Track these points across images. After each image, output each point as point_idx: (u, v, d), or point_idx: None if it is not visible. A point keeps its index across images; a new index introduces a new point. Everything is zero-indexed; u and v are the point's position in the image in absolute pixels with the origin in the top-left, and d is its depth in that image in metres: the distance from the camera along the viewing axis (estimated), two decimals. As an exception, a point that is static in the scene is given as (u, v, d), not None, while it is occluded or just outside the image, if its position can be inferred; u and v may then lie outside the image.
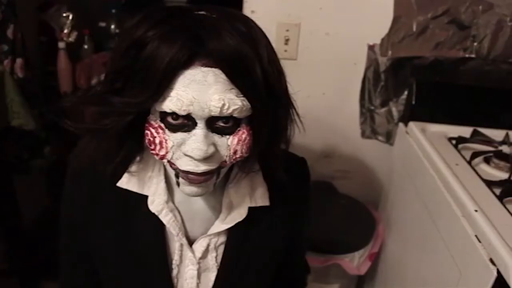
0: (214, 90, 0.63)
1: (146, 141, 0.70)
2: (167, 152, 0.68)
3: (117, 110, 0.66)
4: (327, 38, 1.64)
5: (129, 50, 0.64)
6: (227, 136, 0.69)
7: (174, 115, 0.65)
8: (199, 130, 0.66)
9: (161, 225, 0.83)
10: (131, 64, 0.64)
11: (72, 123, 0.71)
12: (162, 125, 0.67)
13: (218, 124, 0.67)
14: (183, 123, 0.66)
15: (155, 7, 0.68)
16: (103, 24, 2.28)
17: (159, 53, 0.61)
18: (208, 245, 0.85)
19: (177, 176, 0.72)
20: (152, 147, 0.69)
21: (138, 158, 0.78)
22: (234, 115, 0.66)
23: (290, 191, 0.87)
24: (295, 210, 0.91)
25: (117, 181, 0.81)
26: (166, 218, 0.81)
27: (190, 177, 0.70)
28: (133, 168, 0.80)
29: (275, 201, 0.86)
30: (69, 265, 0.94)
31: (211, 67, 0.63)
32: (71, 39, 2.06)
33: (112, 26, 2.28)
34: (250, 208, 0.84)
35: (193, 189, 0.72)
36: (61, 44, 1.98)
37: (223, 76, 0.64)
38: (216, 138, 0.68)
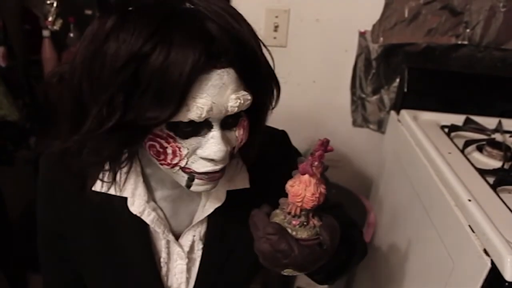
0: (231, 90, 0.61)
1: (152, 152, 0.65)
2: (181, 160, 0.65)
3: (136, 133, 0.62)
4: (318, 25, 1.61)
5: (127, 65, 0.57)
6: (234, 129, 0.67)
7: (188, 122, 0.61)
8: (216, 132, 0.64)
9: (144, 225, 0.80)
10: (133, 79, 0.57)
11: (76, 161, 0.67)
12: (171, 133, 0.63)
13: (228, 120, 0.66)
14: (197, 127, 0.63)
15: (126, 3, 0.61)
16: (89, 12, 2.23)
17: (172, 63, 0.56)
18: (194, 236, 0.84)
19: (190, 179, 0.68)
20: (162, 157, 0.65)
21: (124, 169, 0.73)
22: (243, 109, 0.65)
23: (273, 167, 0.84)
24: (283, 183, 0.89)
25: (92, 185, 0.77)
26: (149, 218, 0.79)
27: (210, 176, 0.67)
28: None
29: (257, 182, 0.84)
30: (50, 269, 0.91)
31: (225, 67, 0.60)
32: (55, 27, 2.00)
33: (98, 14, 2.24)
34: (230, 193, 0.82)
35: (207, 187, 0.69)
36: (46, 32, 1.93)
37: (235, 74, 0.61)
38: (227, 134, 0.67)
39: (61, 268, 0.89)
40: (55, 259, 0.89)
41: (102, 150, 0.64)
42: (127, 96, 0.58)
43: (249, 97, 0.64)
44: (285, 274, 0.68)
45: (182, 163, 0.65)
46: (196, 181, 0.68)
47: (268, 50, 0.69)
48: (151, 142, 0.64)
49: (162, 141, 0.63)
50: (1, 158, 1.76)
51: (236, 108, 0.62)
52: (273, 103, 0.74)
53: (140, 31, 0.57)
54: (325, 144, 0.63)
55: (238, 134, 0.68)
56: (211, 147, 0.63)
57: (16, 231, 1.90)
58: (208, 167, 0.66)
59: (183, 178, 0.68)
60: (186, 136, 0.63)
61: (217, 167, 0.66)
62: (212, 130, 0.64)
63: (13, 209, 1.88)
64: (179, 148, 0.64)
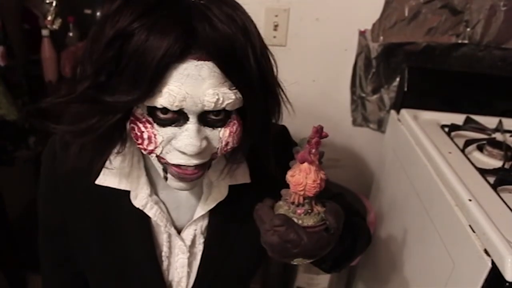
0: (208, 84, 0.60)
1: (132, 135, 0.66)
2: (156, 147, 0.65)
3: (107, 109, 0.62)
4: (317, 24, 1.61)
5: (113, 41, 0.59)
6: (219, 129, 0.66)
7: (164, 109, 0.62)
8: (192, 125, 0.63)
9: (146, 219, 0.80)
10: (116, 57, 0.59)
11: (57, 126, 0.67)
12: (150, 119, 0.64)
13: (209, 117, 0.65)
14: (174, 117, 0.63)
15: None
16: (88, 11, 2.22)
17: (149, 46, 0.57)
18: (196, 231, 0.84)
19: (165, 170, 0.69)
20: (139, 141, 0.66)
21: (115, 150, 0.73)
22: (227, 109, 0.63)
23: (273, 161, 0.82)
24: (283, 177, 0.89)
25: (95, 178, 0.77)
26: (151, 211, 0.79)
27: (182, 174, 0.67)
28: (111, 162, 0.76)
29: (258, 177, 0.84)
30: (51, 267, 0.91)
31: (205, 60, 0.60)
32: (55, 26, 2.00)
33: (98, 13, 2.23)
34: (231, 187, 0.82)
35: (182, 184, 0.69)
36: (45, 32, 1.92)
37: (216, 69, 0.61)
38: (208, 131, 0.65)
39: (61, 267, 0.89)
40: (55, 258, 0.89)
41: (79, 120, 0.64)
42: (108, 75, 0.60)
43: (233, 97, 0.62)
44: (294, 264, 0.68)
45: (157, 151, 0.66)
46: (169, 175, 0.69)
47: (274, 58, 0.69)
48: (132, 125, 0.65)
49: (140, 125, 0.64)
50: (1, 158, 1.75)
51: (213, 104, 0.61)
52: (276, 116, 0.74)
53: (132, 13, 0.59)
54: (320, 131, 0.63)
55: (223, 135, 0.66)
56: (183, 139, 0.63)
57: (16, 231, 1.90)
58: (180, 159, 0.65)
59: (159, 169, 0.70)
60: (163, 125, 0.64)
61: (190, 162, 0.66)
62: (188, 122, 0.63)
63: (13, 209, 1.88)
64: (155, 135, 0.64)
